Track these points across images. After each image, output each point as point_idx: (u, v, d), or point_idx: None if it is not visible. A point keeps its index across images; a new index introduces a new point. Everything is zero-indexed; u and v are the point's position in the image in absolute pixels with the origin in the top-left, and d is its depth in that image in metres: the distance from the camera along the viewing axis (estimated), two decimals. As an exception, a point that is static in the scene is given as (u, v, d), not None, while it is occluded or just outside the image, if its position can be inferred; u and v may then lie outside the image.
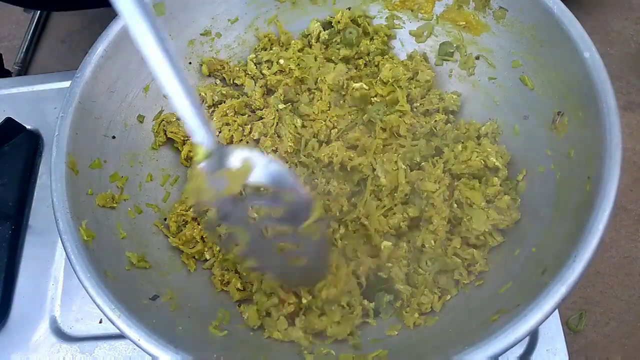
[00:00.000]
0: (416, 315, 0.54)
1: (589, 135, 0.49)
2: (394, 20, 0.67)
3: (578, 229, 0.44)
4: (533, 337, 0.57)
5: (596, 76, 0.49)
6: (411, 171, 0.60)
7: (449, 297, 0.55)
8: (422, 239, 0.56)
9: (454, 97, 0.64)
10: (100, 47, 0.56)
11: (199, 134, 0.40)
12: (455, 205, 0.57)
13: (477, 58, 0.63)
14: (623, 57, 1.07)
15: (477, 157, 0.58)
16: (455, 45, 0.65)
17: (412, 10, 0.66)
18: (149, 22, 0.35)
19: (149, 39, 0.35)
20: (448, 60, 0.66)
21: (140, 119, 0.62)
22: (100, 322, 0.61)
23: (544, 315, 0.41)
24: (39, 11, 1.30)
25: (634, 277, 0.85)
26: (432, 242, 0.56)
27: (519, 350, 0.57)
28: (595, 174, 0.46)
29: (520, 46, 0.58)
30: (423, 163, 0.60)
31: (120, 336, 0.46)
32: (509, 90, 0.60)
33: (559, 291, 0.42)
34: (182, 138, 0.63)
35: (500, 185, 0.57)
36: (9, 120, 0.72)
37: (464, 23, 0.62)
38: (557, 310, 0.56)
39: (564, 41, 0.52)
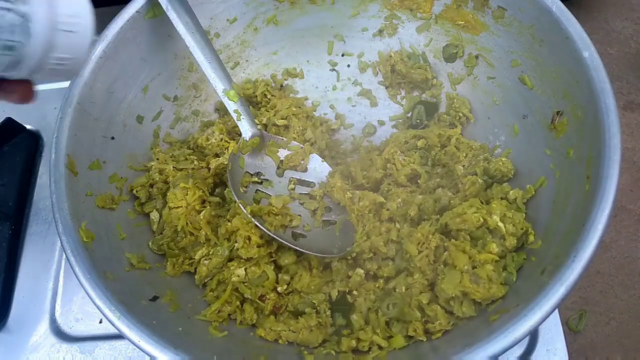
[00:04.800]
0: (352, 342, 0.52)
1: (588, 135, 0.49)
2: (393, 20, 0.67)
3: (577, 229, 0.44)
4: (533, 337, 0.57)
5: (595, 76, 0.48)
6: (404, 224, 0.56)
7: (393, 348, 0.51)
8: (396, 282, 0.53)
9: (503, 160, 0.58)
10: (99, 48, 0.56)
11: (246, 126, 0.60)
12: (441, 266, 0.52)
13: (477, 57, 0.63)
14: (623, 57, 1.07)
15: (474, 212, 0.52)
16: (455, 45, 0.65)
17: (410, 10, 0.66)
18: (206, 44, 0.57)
19: (207, 63, 0.57)
20: (452, 62, 0.66)
21: (140, 119, 0.62)
22: (100, 322, 0.61)
23: (543, 315, 0.41)
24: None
25: (634, 277, 0.85)
26: (404, 288, 0.52)
27: (519, 350, 0.56)
28: (594, 173, 0.46)
29: (519, 45, 0.58)
30: (422, 222, 0.56)
31: (120, 336, 0.46)
32: (508, 89, 0.60)
33: (558, 291, 0.41)
34: None
35: (501, 257, 0.51)
36: (9, 120, 0.72)
37: (462, 22, 0.62)
38: (557, 310, 0.56)
39: (563, 40, 0.52)
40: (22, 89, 0.37)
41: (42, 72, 0.36)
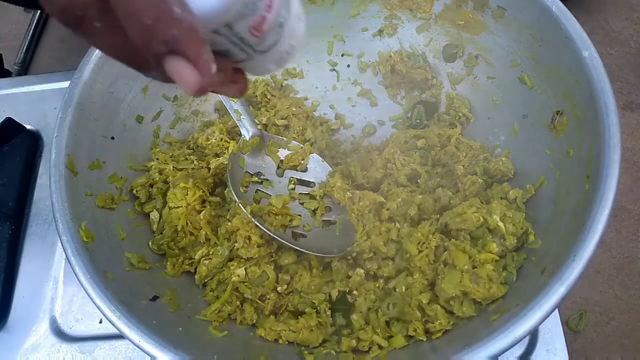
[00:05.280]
0: (353, 342, 0.52)
1: (588, 135, 0.49)
2: (393, 20, 0.67)
3: (577, 228, 0.44)
4: (533, 336, 0.57)
5: (595, 75, 0.48)
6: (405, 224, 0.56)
7: (393, 348, 0.51)
8: (396, 282, 0.53)
9: (503, 159, 0.58)
10: (99, 48, 0.56)
11: (246, 125, 0.60)
12: (441, 265, 0.52)
13: (476, 57, 0.63)
14: (623, 57, 1.07)
15: (474, 212, 0.52)
16: (455, 45, 0.65)
17: (410, 10, 0.66)
18: None
19: None
20: (452, 62, 0.66)
21: (139, 119, 0.62)
22: (100, 322, 0.61)
23: (543, 315, 0.41)
24: (39, 11, 1.30)
25: (634, 277, 0.85)
26: (404, 288, 0.52)
27: (519, 350, 0.56)
28: (594, 173, 0.46)
29: (519, 45, 0.58)
30: (422, 221, 0.56)
31: (120, 336, 0.46)
32: (508, 89, 0.60)
33: (558, 290, 0.41)
34: None
35: (501, 256, 0.51)
36: (9, 120, 0.72)
37: (462, 22, 0.62)
38: (557, 310, 0.56)
39: (562, 40, 0.52)
40: (244, 79, 0.35)
41: (272, 58, 0.33)
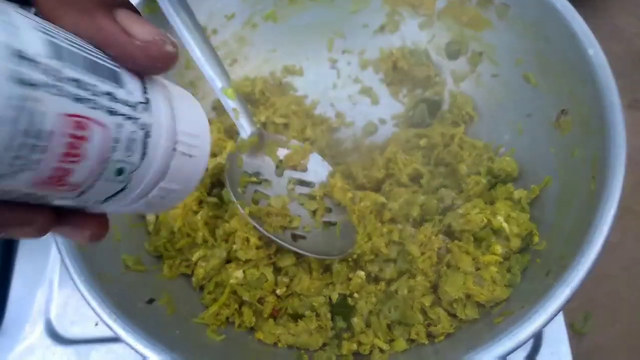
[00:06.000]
0: (353, 346, 0.51)
1: (593, 134, 0.48)
2: (395, 17, 0.66)
3: (583, 229, 0.43)
4: (537, 339, 0.56)
5: (600, 73, 0.48)
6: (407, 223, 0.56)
7: (395, 352, 0.50)
8: (398, 285, 0.52)
9: (507, 159, 0.57)
10: (96, 45, 0.55)
11: (244, 124, 0.57)
12: (445, 267, 0.51)
13: (480, 54, 0.62)
14: (628, 54, 1.06)
15: (478, 213, 0.52)
16: (458, 42, 0.64)
17: (413, 6, 0.65)
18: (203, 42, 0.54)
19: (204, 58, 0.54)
20: (455, 59, 0.65)
21: (137, 118, 0.61)
22: (96, 324, 0.60)
23: (548, 317, 0.40)
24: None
25: (640, 278, 0.84)
26: (406, 291, 0.52)
27: (523, 353, 0.56)
28: (599, 173, 0.45)
29: (523, 43, 0.57)
30: (425, 222, 0.55)
31: (116, 339, 0.45)
32: (512, 87, 0.59)
33: (563, 293, 0.41)
34: None
35: (505, 258, 0.51)
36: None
37: (466, 19, 0.61)
38: (561, 312, 0.56)
39: (567, 38, 0.51)
40: (95, 224, 0.26)
41: (136, 205, 0.26)
